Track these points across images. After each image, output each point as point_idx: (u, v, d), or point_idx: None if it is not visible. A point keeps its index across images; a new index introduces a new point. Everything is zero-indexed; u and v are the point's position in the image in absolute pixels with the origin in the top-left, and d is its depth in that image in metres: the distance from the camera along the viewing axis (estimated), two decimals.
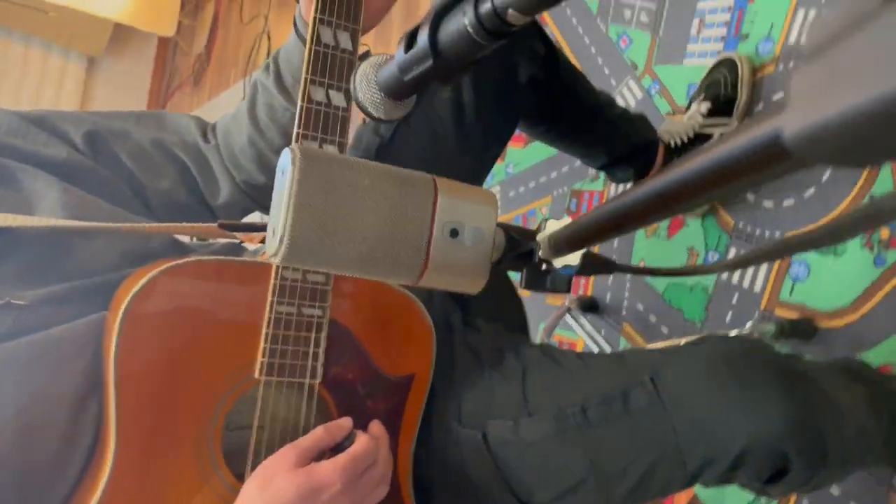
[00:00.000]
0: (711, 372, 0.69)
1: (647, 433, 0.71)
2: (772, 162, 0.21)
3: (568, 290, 0.49)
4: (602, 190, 1.60)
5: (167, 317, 0.73)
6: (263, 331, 0.75)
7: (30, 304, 0.71)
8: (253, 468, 0.73)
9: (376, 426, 0.78)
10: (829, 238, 0.32)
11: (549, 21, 1.79)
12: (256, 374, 0.75)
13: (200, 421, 0.74)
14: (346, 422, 0.76)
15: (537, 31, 1.08)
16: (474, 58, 0.39)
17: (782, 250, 0.48)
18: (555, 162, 1.72)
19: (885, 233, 1.11)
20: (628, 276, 1.51)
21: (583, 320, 1.51)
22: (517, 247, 0.50)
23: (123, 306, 0.70)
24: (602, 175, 1.47)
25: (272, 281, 0.76)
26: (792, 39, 1.28)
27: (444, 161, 0.98)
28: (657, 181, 0.30)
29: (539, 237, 0.48)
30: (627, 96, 1.58)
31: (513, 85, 1.06)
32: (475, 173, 1.05)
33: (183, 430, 0.73)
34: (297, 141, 0.74)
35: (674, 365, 0.72)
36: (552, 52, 1.11)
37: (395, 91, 0.45)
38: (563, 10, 1.77)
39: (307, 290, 0.77)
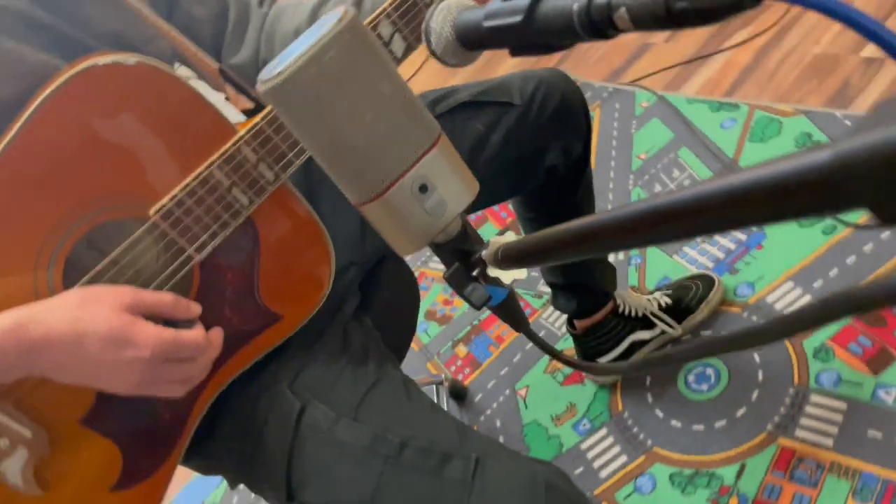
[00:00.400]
0: (531, 491, 0.67)
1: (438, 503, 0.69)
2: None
3: (478, 308, 0.48)
4: (538, 309, 1.61)
5: (97, 105, 0.69)
6: (187, 180, 0.72)
7: None
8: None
9: (217, 333, 0.74)
10: None
11: (594, 129, 1.84)
12: (151, 212, 0.71)
13: (64, 216, 0.69)
14: (196, 307, 0.72)
15: (584, 132, 1.11)
16: (555, 44, 0.39)
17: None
18: None
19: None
20: (507, 390, 1.50)
21: (443, 399, 1.48)
22: (464, 242, 0.49)
23: (62, 77, 0.67)
24: (545, 297, 1.47)
25: (227, 146, 0.73)
26: (769, 300, 1.33)
27: None
28: (629, 209, 0.29)
29: (490, 243, 0.47)
30: None
31: (535, 161, 1.07)
32: None
33: (44, 213, 0.68)
34: None
35: (504, 462, 0.70)
36: (584, 160, 1.14)
37: (466, 35, 0.44)
38: (610, 138, 1.83)
39: (250, 177, 0.74)
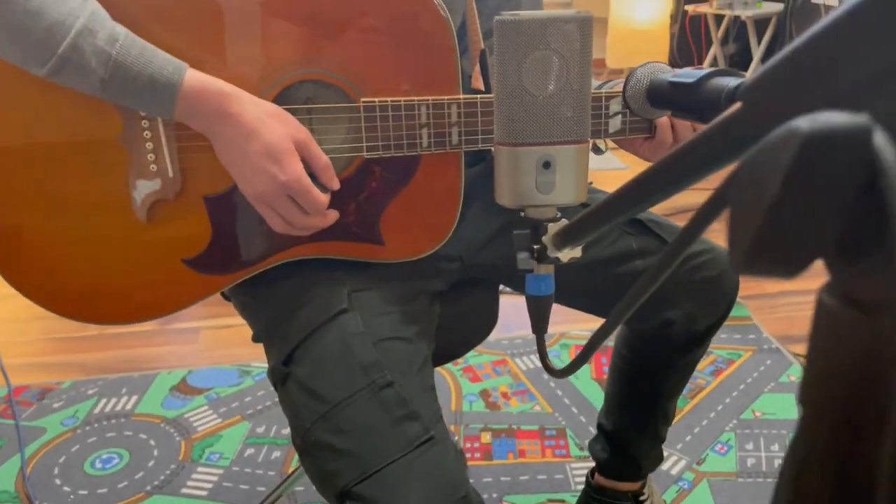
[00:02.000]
0: (451, 489, 0.72)
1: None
2: None
3: (518, 270, 0.56)
4: (572, 456, 1.61)
5: None
6: (400, 98, 0.85)
7: None
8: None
9: (333, 214, 0.86)
10: None
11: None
12: (361, 100, 0.85)
13: (301, 58, 0.84)
14: (336, 183, 0.85)
15: (717, 316, 1.12)
16: (707, 116, 0.47)
17: None
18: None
19: None
20: (495, 494, 1.51)
21: None
22: (536, 227, 0.57)
23: None
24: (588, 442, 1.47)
25: (444, 97, 0.86)
26: None
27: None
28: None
29: (551, 227, 0.56)
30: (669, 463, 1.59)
31: (658, 306, 1.11)
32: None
33: (289, 48, 0.84)
34: None
35: (448, 455, 0.76)
36: (699, 340, 1.15)
37: (654, 88, 0.54)
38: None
39: (441, 131, 0.87)
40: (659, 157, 0.90)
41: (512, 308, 1.69)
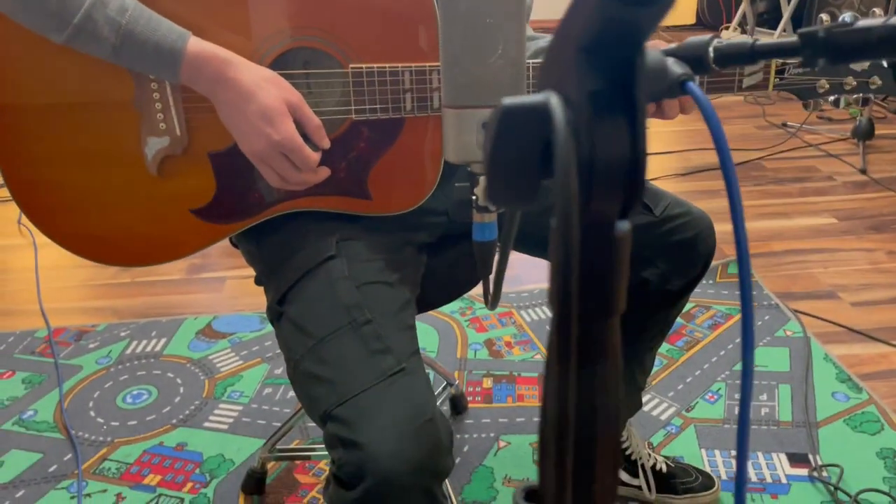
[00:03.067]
0: (415, 411, 0.82)
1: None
2: None
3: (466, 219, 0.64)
4: None
5: None
6: (385, 65, 0.93)
7: None
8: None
9: (324, 170, 0.95)
10: None
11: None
12: (350, 66, 0.94)
13: (296, 27, 0.93)
14: (327, 143, 0.94)
15: (692, 276, 1.19)
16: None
17: None
18: None
19: None
20: (493, 433, 1.61)
21: (443, 398, 1.63)
22: (472, 180, 0.65)
23: None
24: None
25: (426, 64, 0.94)
26: None
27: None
28: None
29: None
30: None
31: (634, 265, 1.17)
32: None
33: (284, 17, 0.92)
34: None
35: (417, 383, 0.85)
36: (674, 298, 1.22)
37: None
38: None
39: (424, 95, 0.95)
40: None
41: (522, 263, 1.78)
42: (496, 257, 0.69)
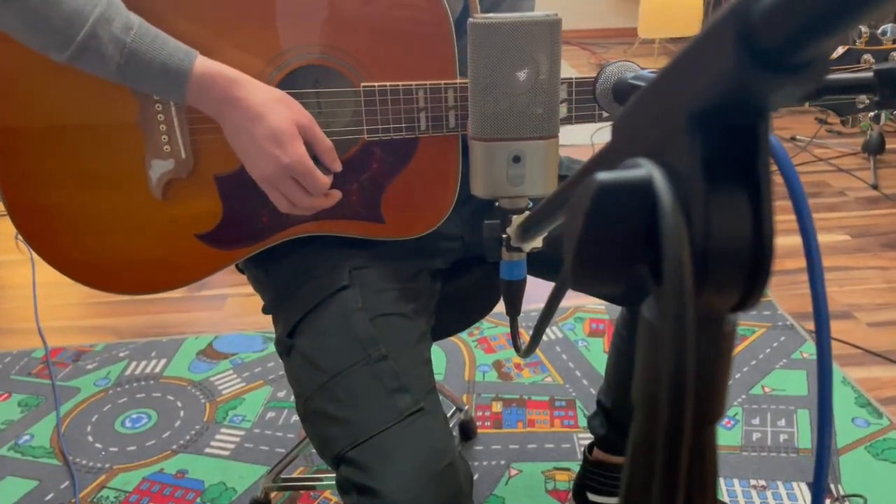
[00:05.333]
0: (435, 455, 0.77)
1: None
2: None
3: (488, 258, 0.60)
4: (579, 426, 1.65)
5: None
6: (398, 83, 0.89)
7: None
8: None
9: (336, 194, 0.91)
10: None
11: None
12: (361, 85, 0.89)
13: (310, 44, 0.88)
14: (338, 165, 0.90)
15: None
16: None
17: None
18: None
19: None
20: (503, 460, 1.56)
21: (452, 423, 1.58)
22: (503, 218, 0.61)
23: None
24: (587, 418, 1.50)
25: (441, 82, 0.89)
26: None
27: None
28: None
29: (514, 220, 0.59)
30: None
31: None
32: None
33: (298, 34, 0.88)
34: None
35: (437, 423, 0.81)
36: None
37: (618, 86, 0.57)
38: None
39: (439, 114, 0.90)
40: None
41: (529, 282, 1.74)
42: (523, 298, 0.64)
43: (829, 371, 0.37)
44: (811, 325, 1.96)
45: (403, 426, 0.79)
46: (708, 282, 0.22)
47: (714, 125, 0.22)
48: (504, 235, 0.59)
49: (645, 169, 0.22)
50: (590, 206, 0.22)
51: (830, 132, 3.37)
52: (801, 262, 2.32)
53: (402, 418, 0.79)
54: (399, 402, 0.81)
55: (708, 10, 4.64)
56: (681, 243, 0.21)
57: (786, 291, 2.16)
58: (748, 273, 0.23)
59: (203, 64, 0.83)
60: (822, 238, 2.47)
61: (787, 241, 2.44)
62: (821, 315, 0.36)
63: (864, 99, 0.95)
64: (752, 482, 1.48)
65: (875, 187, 2.83)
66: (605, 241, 0.23)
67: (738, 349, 1.90)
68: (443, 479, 0.76)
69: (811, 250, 0.33)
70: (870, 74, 0.44)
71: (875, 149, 2.97)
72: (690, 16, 4.43)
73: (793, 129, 3.43)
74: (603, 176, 0.22)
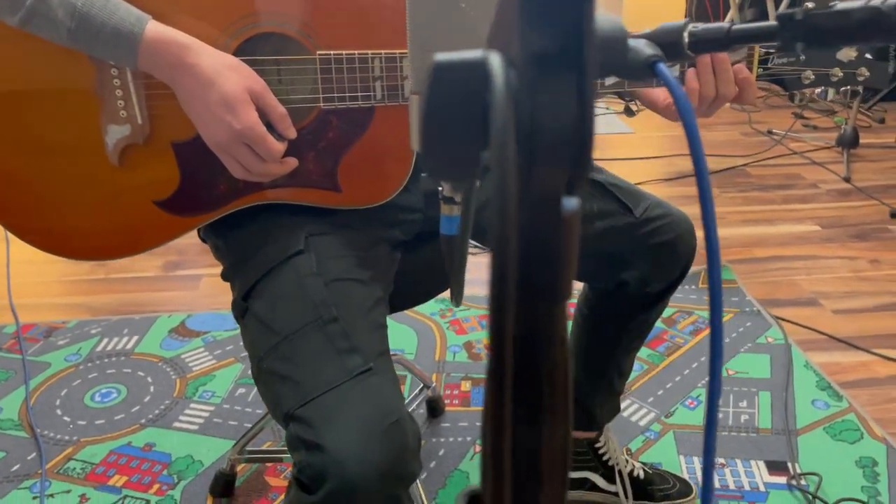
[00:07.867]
0: (381, 413, 0.79)
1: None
2: None
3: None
4: None
5: None
6: (354, 52, 0.90)
7: None
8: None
9: (291, 161, 0.92)
10: None
11: None
12: (317, 53, 0.90)
13: (264, 12, 0.89)
14: (293, 133, 0.91)
15: (671, 279, 1.17)
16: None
17: None
18: None
19: None
20: (469, 437, 1.58)
21: (420, 401, 1.60)
22: None
23: None
24: None
25: (396, 51, 0.91)
26: None
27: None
28: None
29: None
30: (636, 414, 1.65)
31: (614, 267, 1.15)
32: None
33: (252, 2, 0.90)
34: None
35: (384, 384, 0.82)
36: (655, 300, 1.20)
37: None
38: None
39: (394, 84, 0.92)
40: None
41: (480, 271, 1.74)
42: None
43: (719, 320, 0.39)
44: (777, 311, 2.00)
45: (351, 385, 0.81)
46: (537, 157, 0.24)
47: (544, 15, 0.24)
48: (439, 187, 0.61)
49: (482, 53, 0.24)
50: (430, 83, 0.24)
51: (806, 126, 3.40)
52: (770, 251, 2.37)
53: (351, 377, 0.81)
54: (348, 362, 0.82)
55: (690, 6, 4.67)
56: (507, 117, 0.22)
57: (753, 279, 2.19)
58: (572, 153, 0.25)
59: (155, 29, 0.84)
60: (793, 228, 2.51)
61: (756, 230, 2.48)
62: (712, 248, 0.38)
63: (809, 74, 0.98)
64: None
65: (847, 180, 2.86)
66: (447, 120, 0.25)
67: (704, 333, 1.93)
68: (388, 437, 0.78)
69: (701, 172, 0.34)
70: (773, 22, 0.46)
71: (849, 143, 3.00)
72: (673, 9, 4.45)
73: (769, 122, 3.47)
74: (442, 55, 0.24)
